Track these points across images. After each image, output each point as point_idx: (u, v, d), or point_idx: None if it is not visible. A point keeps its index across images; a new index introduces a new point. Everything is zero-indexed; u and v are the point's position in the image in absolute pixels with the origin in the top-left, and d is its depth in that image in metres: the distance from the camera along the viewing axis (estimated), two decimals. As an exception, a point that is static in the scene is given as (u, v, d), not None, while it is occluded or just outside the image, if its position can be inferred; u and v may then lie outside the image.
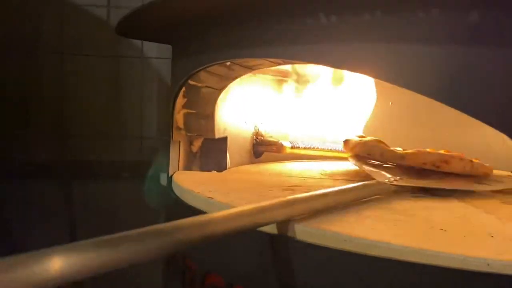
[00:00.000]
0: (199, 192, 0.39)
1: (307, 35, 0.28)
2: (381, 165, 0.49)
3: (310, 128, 0.68)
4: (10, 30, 0.99)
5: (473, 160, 0.50)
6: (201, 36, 0.37)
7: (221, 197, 0.38)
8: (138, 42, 1.05)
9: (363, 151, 0.50)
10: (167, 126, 1.15)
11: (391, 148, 0.50)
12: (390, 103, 0.70)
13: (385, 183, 0.42)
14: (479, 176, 0.49)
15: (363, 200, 0.38)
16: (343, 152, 0.64)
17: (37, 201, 1.03)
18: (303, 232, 0.29)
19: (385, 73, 0.26)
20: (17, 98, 1.01)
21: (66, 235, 1.05)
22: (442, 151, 0.56)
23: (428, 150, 0.50)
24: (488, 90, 0.25)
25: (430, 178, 0.46)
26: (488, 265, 0.26)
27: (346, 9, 0.27)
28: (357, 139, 0.52)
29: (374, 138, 0.51)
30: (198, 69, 0.39)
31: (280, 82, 0.64)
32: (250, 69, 0.43)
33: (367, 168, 0.47)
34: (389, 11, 0.26)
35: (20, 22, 1.02)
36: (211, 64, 0.37)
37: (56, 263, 0.19)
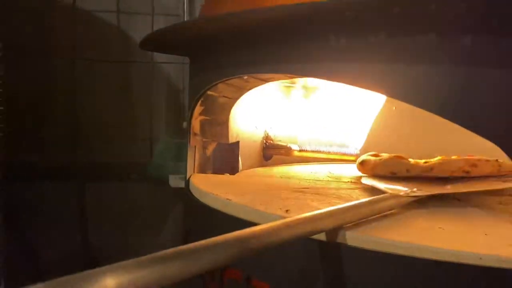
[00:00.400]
0: (217, 194, 0.43)
1: (319, 54, 0.32)
2: (394, 180, 0.49)
3: (317, 132, 0.71)
4: (24, 37, 1.03)
5: (500, 160, 0.51)
6: (221, 52, 0.40)
7: (238, 198, 0.42)
8: (148, 47, 1.09)
9: (386, 171, 0.50)
10: (176, 128, 1.19)
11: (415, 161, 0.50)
12: (394, 107, 0.73)
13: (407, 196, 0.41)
14: (504, 175, 0.49)
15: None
16: (349, 155, 0.68)
17: (50, 202, 1.07)
18: (353, 238, 0.32)
19: (388, 89, 0.30)
20: (31, 103, 1.05)
21: (78, 234, 1.09)
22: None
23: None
24: (481, 105, 0.28)
25: (448, 184, 0.47)
26: (481, 259, 0.29)
27: (354, 32, 0.30)
28: (373, 158, 0.52)
29: (392, 155, 0.51)
30: (218, 82, 0.43)
31: (288, 88, 0.67)
32: (264, 81, 0.47)
33: (383, 186, 0.46)
34: (391, 35, 0.29)
35: (33, 29, 1.07)
36: (231, 77, 0.41)
37: (110, 282, 0.20)
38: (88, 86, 1.08)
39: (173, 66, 1.13)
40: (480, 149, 0.54)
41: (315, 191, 0.49)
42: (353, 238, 0.32)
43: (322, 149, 0.70)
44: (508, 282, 0.29)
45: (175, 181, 1.13)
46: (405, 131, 0.72)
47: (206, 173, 0.58)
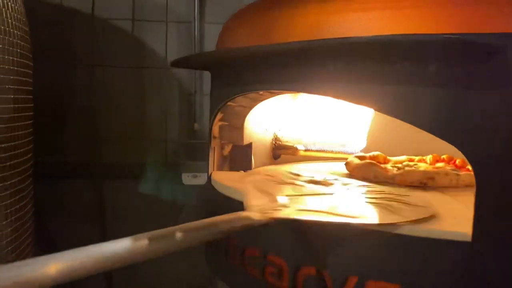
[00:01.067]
0: (236, 188, 0.53)
1: (319, 76, 0.42)
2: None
3: (321, 133, 0.81)
4: (45, 44, 1.13)
5: (461, 172, 0.61)
6: (240, 71, 0.50)
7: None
8: (162, 54, 1.20)
9: (360, 175, 0.62)
10: (189, 130, 1.29)
11: (384, 166, 0.61)
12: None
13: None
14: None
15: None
16: (350, 154, 0.78)
17: (72, 199, 1.18)
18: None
19: (376, 105, 0.40)
20: (52, 106, 1.15)
21: (97, 230, 1.19)
22: (430, 156, 0.68)
23: (416, 159, 0.62)
24: (445, 119, 0.38)
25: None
26: (443, 233, 0.39)
27: (347, 60, 0.40)
28: (357, 161, 0.64)
29: (369, 161, 0.63)
30: (238, 95, 0.53)
31: (295, 94, 0.77)
32: (275, 94, 0.57)
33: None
34: (375, 62, 0.39)
35: (54, 37, 1.17)
36: (248, 92, 0.51)
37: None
38: (106, 91, 1.18)
39: (184, 72, 1.23)
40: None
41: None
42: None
43: (325, 148, 0.80)
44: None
45: (187, 179, 1.24)
46: (402, 130, 0.80)
47: (223, 171, 0.68)
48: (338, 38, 0.39)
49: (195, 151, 1.27)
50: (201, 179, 1.36)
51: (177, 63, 0.53)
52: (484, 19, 0.37)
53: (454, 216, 0.45)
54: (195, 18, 1.22)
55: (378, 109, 0.40)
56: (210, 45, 1.27)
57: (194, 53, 0.51)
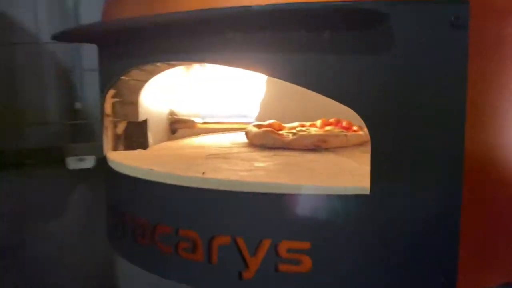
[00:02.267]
0: (140, 166, 0.53)
1: (215, 45, 0.44)
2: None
3: (218, 105, 0.83)
4: None
5: (348, 133, 0.69)
6: (132, 43, 0.49)
7: (160, 168, 0.52)
8: (32, 28, 1.11)
9: (259, 142, 0.67)
10: (70, 110, 1.22)
11: (281, 132, 0.67)
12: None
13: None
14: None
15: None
16: (247, 124, 0.81)
17: None
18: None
19: (272, 72, 0.43)
20: None
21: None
22: (319, 121, 0.75)
23: (308, 124, 0.68)
24: (339, 82, 0.42)
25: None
26: (345, 189, 0.44)
27: (245, 30, 0.42)
28: (255, 129, 0.68)
29: (266, 129, 0.68)
30: (131, 69, 0.52)
31: (187, 68, 0.77)
32: (172, 65, 0.57)
33: None
34: (272, 31, 0.42)
35: None
36: (143, 65, 0.50)
37: None
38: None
39: (60, 46, 1.15)
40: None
41: (223, 156, 0.61)
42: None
43: (223, 120, 0.82)
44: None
45: (73, 163, 1.17)
46: (293, 99, 0.85)
47: (118, 150, 0.66)
48: (222, 8, 0.40)
49: (79, 132, 1.21)
50: (88, 162, 1.30)
51: (58, 37, 0.49)
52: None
53: (352, 173, 0.50)
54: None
55: (279, 76, 0.43)
56: (87, 16, 1.20)
57: (79, 25, 0.48)
